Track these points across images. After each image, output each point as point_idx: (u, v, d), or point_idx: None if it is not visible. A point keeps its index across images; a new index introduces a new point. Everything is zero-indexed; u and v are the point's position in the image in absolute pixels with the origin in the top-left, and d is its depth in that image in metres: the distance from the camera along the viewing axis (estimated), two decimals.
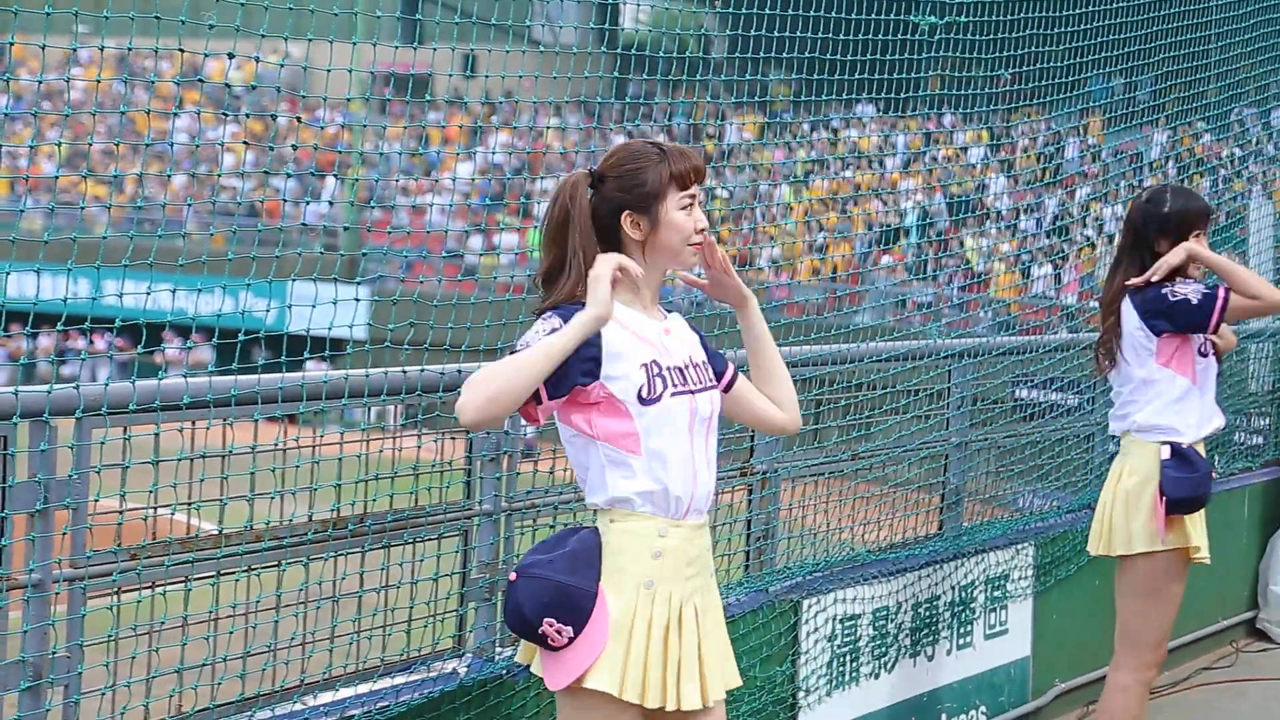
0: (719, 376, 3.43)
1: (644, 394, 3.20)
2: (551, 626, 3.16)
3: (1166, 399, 5.00)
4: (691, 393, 3.28)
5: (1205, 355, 5.04)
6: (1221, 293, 4.90)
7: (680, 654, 3.23)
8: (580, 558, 3.22)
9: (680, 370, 3.28)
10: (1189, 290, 4.92)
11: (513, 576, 3.24)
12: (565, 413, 3.23)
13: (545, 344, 3.08)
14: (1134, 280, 4.96)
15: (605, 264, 3.17)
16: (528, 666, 3.39)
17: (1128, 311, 5.03)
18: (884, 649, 5.69)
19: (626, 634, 3.17)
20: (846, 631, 5.48)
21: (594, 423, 3.21)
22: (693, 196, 3.30)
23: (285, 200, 6.13)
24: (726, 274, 3.42)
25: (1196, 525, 5.02)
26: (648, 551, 3.22)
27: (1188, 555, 5.02)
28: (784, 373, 3.50)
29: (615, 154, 3.33)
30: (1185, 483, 4.94)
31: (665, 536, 3.23)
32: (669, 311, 3.45)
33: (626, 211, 3.27)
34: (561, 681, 3.19)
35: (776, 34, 5.58)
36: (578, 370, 3.14)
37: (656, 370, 3.23)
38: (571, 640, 3.16)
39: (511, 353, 3.13)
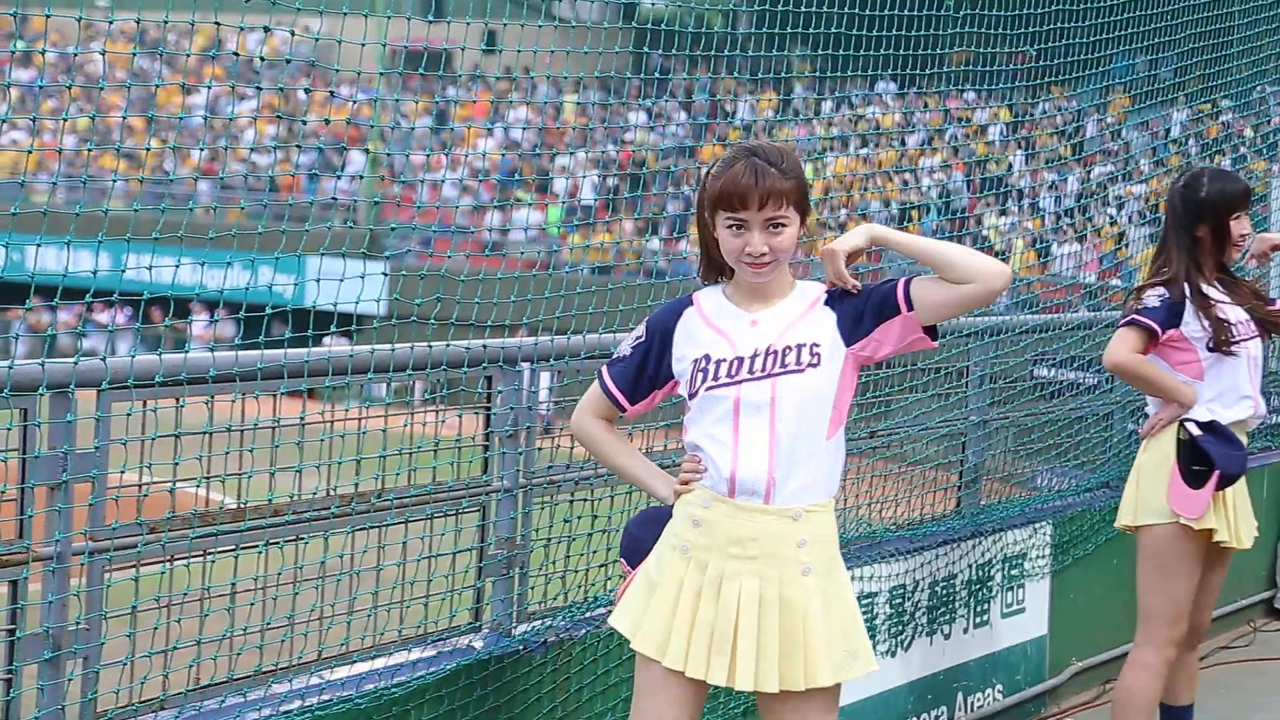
0: (887, 309, 3.37)
1: (687, 389, 3.42)
2: (625, 567, 3.58)
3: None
4: (737, 383, 3.33)
5: (1212, 350, 4.93)
6: (1131, 319, 4.91)
7: (714, 626, 3.30)
8: (652, 515, 3.56)
9: (740, 360, 3.34)
10: (1154, 300, 4.92)
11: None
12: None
13: (615, 467, 3.64)
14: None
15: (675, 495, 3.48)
16: (545, 643, 3.48)
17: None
18: (901, 627, 5.70)
19: (653, 586, 3.40)
20: (864, 610, 5.49)
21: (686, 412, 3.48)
22: (743, 221, 3.29)
23: (313, 174, 6.14)
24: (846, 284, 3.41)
25: (1215, 506, 4.98)
26: (689, 518, 3.39)
27: (1208, 536, 4.99)
28: (954, 253, 3.36)
29: (722, 155, 3.45)
30: (1234, 459, 4.91)
31: (707, 508, 3.36)
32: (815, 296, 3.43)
33: (705, 211, 3.41)
34: (618, 619, 3.47)
35: (799, 9, 5.57)
36: (646, 384, 3.52)
37: (704, 364, 3.38)
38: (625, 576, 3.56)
39: (608, 363, 3.58)
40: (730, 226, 3.31)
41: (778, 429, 3.32)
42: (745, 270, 3.35)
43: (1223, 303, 4.97)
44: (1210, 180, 5.00)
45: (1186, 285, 4.94)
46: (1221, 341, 4.90)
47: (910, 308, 3.35)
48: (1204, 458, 4.90)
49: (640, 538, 3.54)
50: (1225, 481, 4.93)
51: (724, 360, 3.35)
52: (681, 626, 3.32)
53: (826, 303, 3.42)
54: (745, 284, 3.41)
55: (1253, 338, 5.03)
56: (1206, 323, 4.91)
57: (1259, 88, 9.25)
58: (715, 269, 3.48)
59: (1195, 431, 4.92)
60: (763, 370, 3.33)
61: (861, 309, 3.39)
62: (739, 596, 3.31)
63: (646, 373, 3.50)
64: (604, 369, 3.56)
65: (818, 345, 3.35)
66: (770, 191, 3.28)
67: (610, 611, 3.60)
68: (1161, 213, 5.35)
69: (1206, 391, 4.97)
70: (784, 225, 3.31)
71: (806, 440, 3.34)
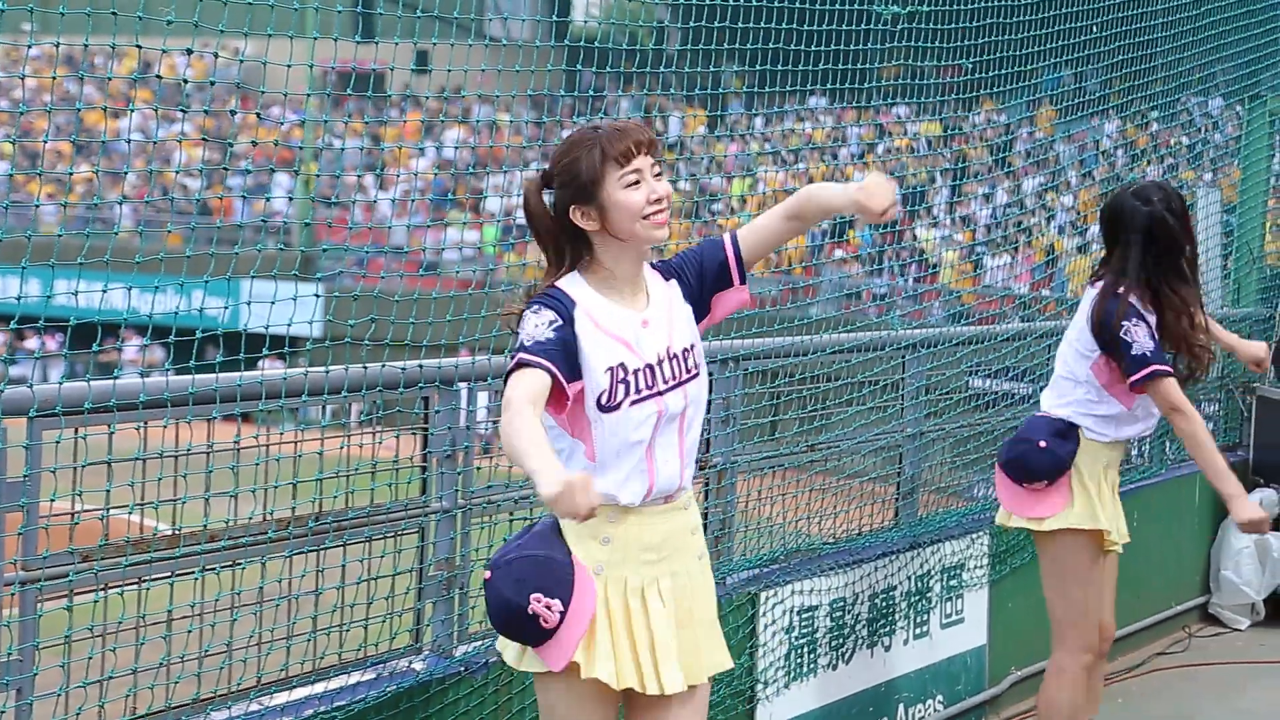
0: (723, 270, 3.39)
1: (603, 400, 3.24)
2: (540, 602, 3.17)
3: (1091, 411, 5.04)
4: (659, 394, 3.28)
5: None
6: (1152, 371, 4.84)
7: (651, 638, 3.26)
8: (547, 535, 3.29)
9: (650, 369, 3.27)
10: (1141, 336, 4.86)
11: (487, 574, 3.27)
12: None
13: (521, 458, 2.97)
14: None
15: (574, 497, 2.87)
16: (486, 663, 3.39)
17: (1087, 302, 5.03)
18: (841, 640, 5.71)
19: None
20: (804, 623, 5.51)
21: (568, 417, 3.26)
22: (638, 170, 3.23)
23: (243, 197, 6.09)
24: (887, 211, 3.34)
25: (1106, 508, 5.04)
26: (595, 537, 3.26)
27: (1101, 539, 5.05)
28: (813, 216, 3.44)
29: (558, 149, 3.32)
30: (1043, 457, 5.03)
31: (616, 523, 3.27)
32: (659, 269, 3.41)
33: (573, 205, 3.25)
34: (561, 659, 3.19)
35: (730, 25, 5.59)
36: (575, 370, 3.21)
37: (621, 375, 3.24)
38: (563, 615, 3.18)
39: (517, 352, 3.15)
40: (630, 185, 3.21)
41: (685, 434, 3.35)
42: (649, 229, 3.23)
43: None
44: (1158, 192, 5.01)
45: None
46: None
47: (742, 279, 3.42)
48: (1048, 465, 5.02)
49: (555, 556, 3.23)
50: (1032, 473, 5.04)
51: (638, 370, 3.26)
52: (624, 647, 3.25)
53: (676, 286, 3.40)
54: (614, 269, 3.29)
55: None
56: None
57: (1183, 99, 9.38)
58: (561, 261, 3.29)
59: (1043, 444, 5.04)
60: (674, 378, 3.31)
61: (701, 286, 3.41)
62: (661, 598, 3.29)
63: (572, 359, 3.20)
64: (522, 353, 3.16)
65: (695, 346, 3.39)
66: (650, 136, 3.27)
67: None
68: (1093, 224, 5.41)
69: (1132, 413, 5.03)
70: (661, 172, 3.30)
71: (698, 438, 3.41)
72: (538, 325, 3.18)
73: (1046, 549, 5.13)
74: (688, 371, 3.34)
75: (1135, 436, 5.15)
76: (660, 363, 3.29)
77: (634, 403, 3.25)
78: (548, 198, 3.31)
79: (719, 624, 3.47)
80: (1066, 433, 5.07)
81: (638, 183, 3.23)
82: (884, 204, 3.28)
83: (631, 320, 3.30)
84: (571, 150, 3.26)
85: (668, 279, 3.41)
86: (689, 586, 3.36)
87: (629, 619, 3.27)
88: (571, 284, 3.29)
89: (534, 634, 3.21)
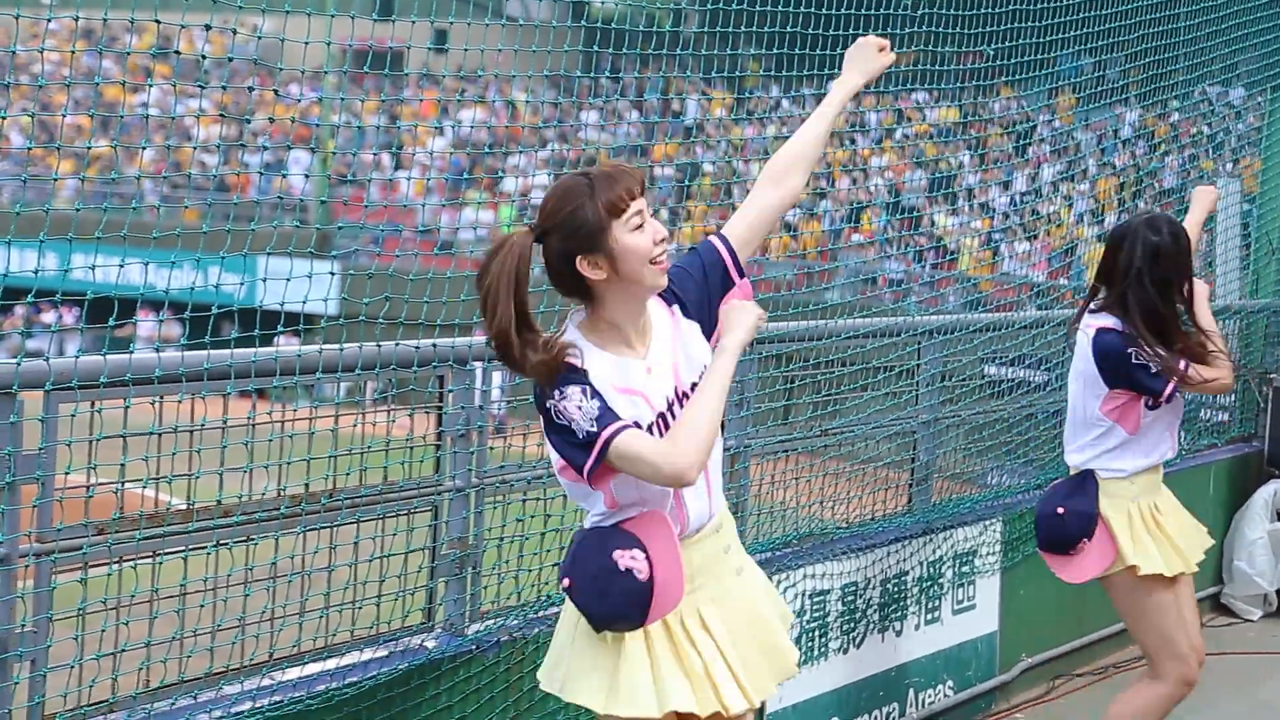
0: (724, 276, 3.36)
1: None
2: (625, 555, 3.14)
3: (1101, 449, 4.97)
4: None
5: (1153, 408, 4.90)
6: (1175, 384, 4.79)
7: (704, 661, 3.24)
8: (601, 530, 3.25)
9: (662, 416, 3.21)
10: (1148, 354, 4.78)
11: (566, 582, 3.22)
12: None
13: (724, 383, 3.14)
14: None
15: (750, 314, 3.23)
16: (498, 642, 3.39)
17: (1085, 342, 4.93)
18: (853, 624, 5.72)
19: (604, 646, 3.22)
20: (816, 607, 5.51)
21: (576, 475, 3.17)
22: (639, 213, 3.15)
23: (260, 174, 6.09)
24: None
25: (1139, 542, 4.94)
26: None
27: (1155, 574, 4.94)
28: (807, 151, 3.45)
29: (548, 202, 3.17)
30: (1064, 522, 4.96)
31: None
32: (666, 301, 3.33)
33: (579, 256, 3.14)
34: (670, 604, 3.15)
35: (750, 8, 5.58)
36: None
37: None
38: (649, 563, 3.12)
39: (595, 439, 3.05)
40: (635, 228, 3.14)
41: (709, 467, 3.29)
42: (654, 273, 3.17)
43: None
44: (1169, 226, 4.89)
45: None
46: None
47: (740, 274, 3.38)
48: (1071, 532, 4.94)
49: (607, 537, 3.21)
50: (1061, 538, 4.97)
51: (652, 425, 3.18)
52: (672, 670, 3.21)
53: (678, 309, 3.33)
54: (615, 319, 3.20)
55: None
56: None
57: (1202, 89, 9.34)
58: (544, 357, 3.12)
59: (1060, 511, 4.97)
60: None
61: (705, 297, 3.35)
62: (704, 625, 3.28)
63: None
64: (602, 431, 3.06)
65: (707, 364, 3.29)
66: (641, 176, 3.21)
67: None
68: (1111, 213, 5.37)
69: (1139, 442, 4.95)
70: (655, 211, 3.28)
71: (720, 461, 3.36)
72: (580, 405, 3.08)
73: (1110, 595, 5.08)
74: None
75: (1151, 466, 5.00)
76: (670, 406, 3.22)
77: None
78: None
79: (779, 629, 3.42)
80: (1079, 486, 4.98)
81: (641, 225, 3.16)
82: (876, 42, 3.29)
83: (636, 370, 3.22)
84: (568, 200, 3.14)
85: (670, 305, 3.33)
86: (731, 606, 3.34)
87: (676, 648, 3.24)
88: (575, 354, 3.16)
89: (637, 595, 3.13)
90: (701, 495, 3.30)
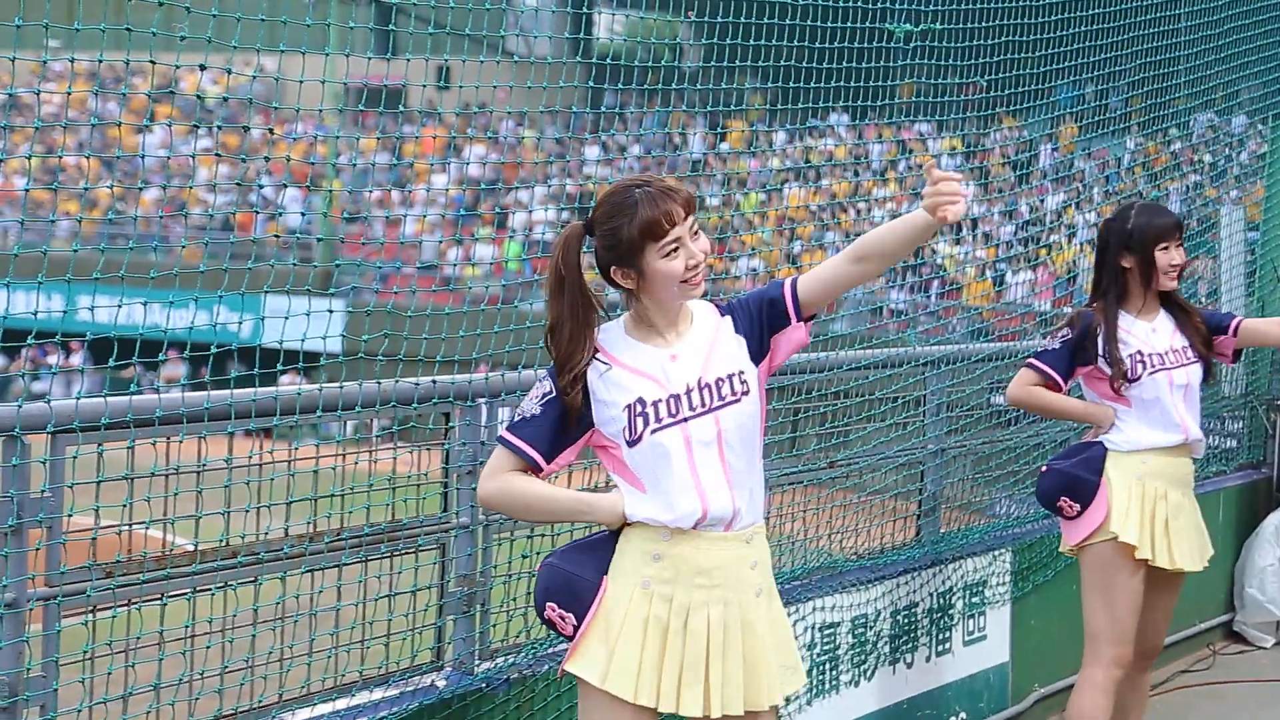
0: (777, 310, 3.41)
1: (627, 436, 3.33)
2: (554, 611, 3.36)
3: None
4: (684, 420, 3.31)
5: (1135, 379, 5.00)
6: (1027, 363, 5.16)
7: (683, 658, 3.30)
8: (585, 548, 3.40)
9: (676, 398, 3.32)
10: (1059, 337, 5.11)
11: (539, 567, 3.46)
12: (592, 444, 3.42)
13: (549, 504, 3.41)
14: None
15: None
16: (507, 680, 3.42)
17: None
18: (864, 657, 5.69)
19: (617, 626, 3.30)
20: (826, 640, 5.48)
21: (607, 458, 3.39)
22: (677, 240, 3.27)
23: (257, 212, 6.11)
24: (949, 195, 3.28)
25: (1133, 521, 4.99)
26: (646, 553, 3.33)
27: (1130, 552, 5.02)
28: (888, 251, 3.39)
29: (601, 203, 3.34)
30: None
31: (667, 541, 3.32)
32: (717, 306, 3.46)
33: (613, 266, 3.33)
34: (564, 664, 3.35)
35: (750, 43, 5.59)
36: (564, 439, 3.36)
37: (640, 409, 3.31)
38: (577, 628, 3.32)
39: (515, 412, 3.39)
40: (668, 254, 3.27)
41: (728, 460, 3.35)
42: (685, 290, 3.32)
43: (1132, 334, 5.04)
44: (1138, 213, 5.08)
45: (1105, 316, 5.03)
46: (1117, 376, 4.99)
47: (799, 317, 3.41)
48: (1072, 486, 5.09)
49: (576, 574, 3.37)
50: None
51: (659, 400, 3.31)
52: (651, 662, 3.29)
53: (729, 320, 3.44)
54: (652, 314, 3.37)
55: (1182, 365, 5.07)
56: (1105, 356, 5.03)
57: (1204, 117, 9.34)
58: (569, 346, 3.34)
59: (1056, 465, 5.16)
60: (703, 405, 3.33)
61: (758, 324, 3.43)
62: (708, 625, 3.31)
63: (564, 427, 3.35)
64: (507, 433, 3.39)
65: (743, 372, 3.39)
66: (689, 199, 3.32)
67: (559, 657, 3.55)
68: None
69: (1139, 419, 5.05)
70: (699, 230, 3.34)
71: (749, 465, 3.40)
72: (532, 399, 3.37)
73: (1081, 561, 5.14)
74: (721, 399, 3.35)
75: (1161, 446, 5.06)
76: (689, 392, 3.33)
77: (654, 431, 3.31)
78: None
79: (781, 659, 3.42)
80: (1080, 450, 5.13)
81: (677, 249, 3.28)
82: (954, 190, 3.25)
83: (658, 356, 3.36)
84: (616, 215, 3.30)
85: (723, 315, 3.45)
86: (740, 620, 3.35)
87: (666, 635, 3.30)
88: (605, 335, 3.39)
89: (558, 633, 3.43)
90: (721, 487, 3.32)
